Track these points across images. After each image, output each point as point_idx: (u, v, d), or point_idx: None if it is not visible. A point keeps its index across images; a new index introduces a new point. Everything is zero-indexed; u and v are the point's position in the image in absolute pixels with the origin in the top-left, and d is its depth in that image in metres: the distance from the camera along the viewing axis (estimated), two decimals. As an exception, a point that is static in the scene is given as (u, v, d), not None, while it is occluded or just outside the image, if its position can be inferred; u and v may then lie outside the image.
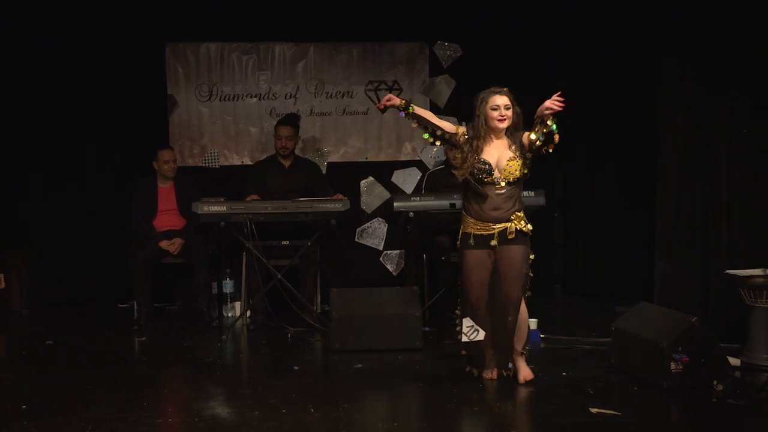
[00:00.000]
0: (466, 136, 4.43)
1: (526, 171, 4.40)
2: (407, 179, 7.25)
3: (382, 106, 4.61)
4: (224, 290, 6.55)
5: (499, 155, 4.39)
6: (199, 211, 5.92)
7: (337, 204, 6.01)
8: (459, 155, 4.49)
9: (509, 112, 4.37)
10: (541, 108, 4.20)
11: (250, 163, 7.03)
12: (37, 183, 6.87)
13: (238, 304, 6.50)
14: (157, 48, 7.00)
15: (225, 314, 6.50)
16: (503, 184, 4.37)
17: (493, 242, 4.41)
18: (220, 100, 7.12)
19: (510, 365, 4.60)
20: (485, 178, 4.36)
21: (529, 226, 4.46)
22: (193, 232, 6.37)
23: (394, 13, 6.97)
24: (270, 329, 6.03)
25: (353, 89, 7.25)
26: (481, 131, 4.40)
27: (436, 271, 6.34)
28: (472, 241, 4.44)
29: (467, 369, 4.72)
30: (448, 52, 7.24)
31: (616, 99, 6.80)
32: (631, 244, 6.82)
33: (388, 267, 7.27)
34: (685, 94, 5.85)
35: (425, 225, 6.24)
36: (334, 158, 7.25)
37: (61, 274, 6.97)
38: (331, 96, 7.24)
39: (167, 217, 6.42)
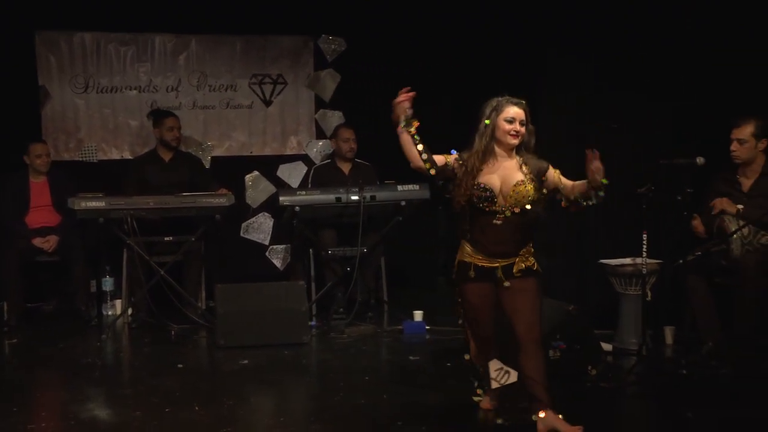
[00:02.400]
0: (460, 161, 3.69)
1: (540, 194, 3.68)
2: (293, 173, 7.22)
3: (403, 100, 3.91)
4: (104, 288, 6.37)
5: (504, 178, 3.63)
6: (76, 207, 5.77)
7: (222, 199, 5.96)
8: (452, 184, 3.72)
9: (524, 129, 3.67)
10: (592, 172, 3.59)
11: (130, 157, 6.85)
12: None
13: (118, 302, 6.34)
14: (27, 37, 6.70)
15: (105, 313, 6.33)
16: (508, 214, 3.61)
17: (506, 283, 3.67)
18: (97, 92, 6.89)
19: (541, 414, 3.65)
20: (486, 207, 3.61)
21: (537, 265, 3.73)
22: (69, 228, 6.17)
23: (279, 6, 6.92)
24: (153, 327, 5.91)
25: (237, 82, 7.16)
26: (483, 145, 3.66)
27: (323, 265, 6.35)
28: (472, 272, 3.69)
29: (477, 390, 4.05)
30: (333, 46, 7.25)
31: (499, 91, 6.93)
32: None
33: (274, 262, 7.23)
34: (557, 92, 6.05)
35: (311, 219, 6.25)
36: (218, 152, 7.15)
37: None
38: (214, 89, 7.14)
39: (41, 213, 6.21)
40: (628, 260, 5.21)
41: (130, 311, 6.08)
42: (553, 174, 3.73)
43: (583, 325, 4.70)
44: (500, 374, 3.73)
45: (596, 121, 5.85)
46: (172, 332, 5.78)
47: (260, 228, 7.21)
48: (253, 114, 7.23)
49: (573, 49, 5.94)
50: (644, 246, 4.75)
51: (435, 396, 4.35)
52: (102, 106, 6.92)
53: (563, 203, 3.77)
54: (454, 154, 3.73)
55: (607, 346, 5.03)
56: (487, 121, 3.66)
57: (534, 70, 6.27)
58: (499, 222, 3.60)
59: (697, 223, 4.89)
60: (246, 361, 5.05)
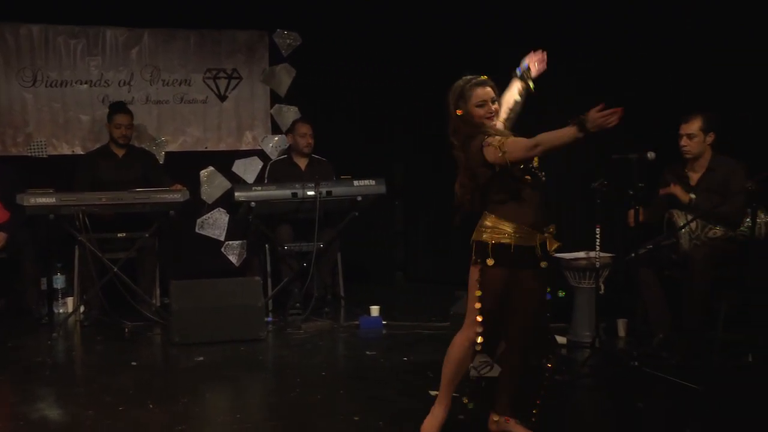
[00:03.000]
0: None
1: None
2: (248, 169, 7.19)
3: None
4: (55, 286, 6.31)
5: None
6: (25, 204, 5.67)
7: (176, 195, 5.91)
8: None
9: (496, 106, 3.42)
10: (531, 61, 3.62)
11: (81, 152, 6.75)
12: None
13: (70, 300, 6.27)
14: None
15: (56, 311, 6.27)
16: (539, 174, 3.45)
17: (543, 263, 3.40)
18: (46, 86, 6.78)
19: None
20: (530, 166, 3.39)
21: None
22: (18, 225, 6.06)
23: (234, 0, 6.87)
24: (106, 325, 5.85)
25: (191, 77, 7.10)
26: (471, 132, 3.39)
27: (279, 261, 6.33)
28: (513, 253, 3.33)
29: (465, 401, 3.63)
30: (288, 41, 7.22)
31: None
32: (468, 231, 7.03)
33: (230, 258, 7.19)
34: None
35: (267, 215, 6.22)
36: (173, 148, 7.08)
37: None
38: (167, 84, 7.07)
39: (-12, 209, 6.11)
40: (581, 254, 5.27)
41: (82, 309, 6.02)
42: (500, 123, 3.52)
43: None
44: (483, 366, 3.45)
45: (549, 118, 5.90)
46: (126, 330, 5.72)
47: (216, 224, 7.17)
48: (208, 109, 7.18)
49: (524, 48, 5.99)
50: (597, 240, 4.82)
51: (391, 391, 4.36)
52: (51, 100, 6.80)
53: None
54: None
55: (561, 339, 5.09)
56: (459, 112, 3.40)
57: (486, 67, 6.29)
58: (535, 188, 3.39)
59: (631, 214, 4.94)
60: (201, 358, 5.02)
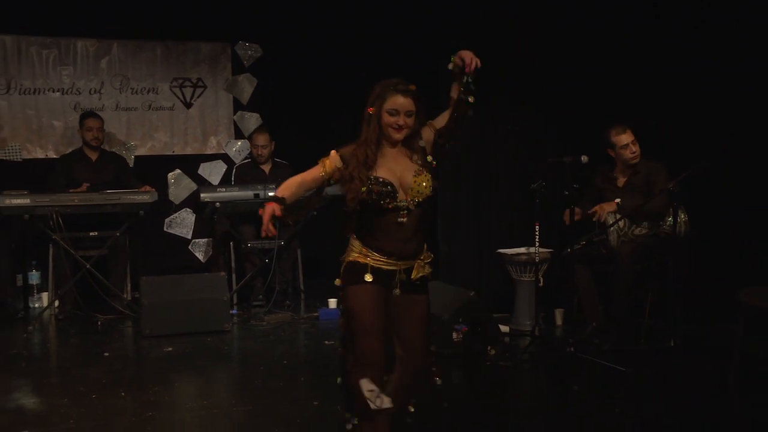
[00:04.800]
0: (339, 165, 2.94)
1: (433, 187, 2.94)
2: (213, 171, 7.11)
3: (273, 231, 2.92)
4: (30, 282, 6.16)
5: (402, 169, 2.91)
6: (1, 204, 5.52)
7: (145, 196, 5.82)
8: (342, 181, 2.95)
9: (410, 120, 2.90)
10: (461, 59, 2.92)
11: (54, 156, 6.59)
12: None
13: (45, 295, 6.13)
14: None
15: (31, 305, 6.13)
16: (412, 208, 2.89)
17: (396, 291, 2.94)
18: (19, 94, 6.59)
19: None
20: (389, 203, 2.86)
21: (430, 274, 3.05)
22: (-6, 225, 5.92)
23: (198, 13, 6.78)
24: (79, 318, 5.75)
25: (158, 86, 6.98)
26: (374, 135, 2.92)
27: (243, 257, 6.28)
28: (368, 275, 2.89)
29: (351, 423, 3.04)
30: (250, 52, 7.15)
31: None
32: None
33: (197, 255, 7.10)
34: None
35: (231, 214, 6.16)
36: (141, 152, 6.95)
37: None
38: (136, 92, 6.94)
39: (-36, 211, 5.92)
40: (522, 249, 5.32)
41: (56, 303, 5.88)
42: (428, 130, 2.99)
43: (482, 309, 4.76)
44: (374, 396, 2.89)
45: (495, 125, 5.98)
46: (99, 323, 5.62)
47: (183, 223, 7.07)
48: (175, 116, 7.07)
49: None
50: (537, 236, 4.86)
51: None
52: (25, 107, 6.63)
53: (447, 125, 2.99)
54: (332, 159, 2.95)
55: (504, 328, 5.13)
56: (370, 110, 2.93)
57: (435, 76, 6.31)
58: (404, 219, 2.88)
59: (567, 213, 4.99)
60: (170, 349, 4.95)
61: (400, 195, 2.88)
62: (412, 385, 3.03)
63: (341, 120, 7.24)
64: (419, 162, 2.93)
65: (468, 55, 2.89)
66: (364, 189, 2.84)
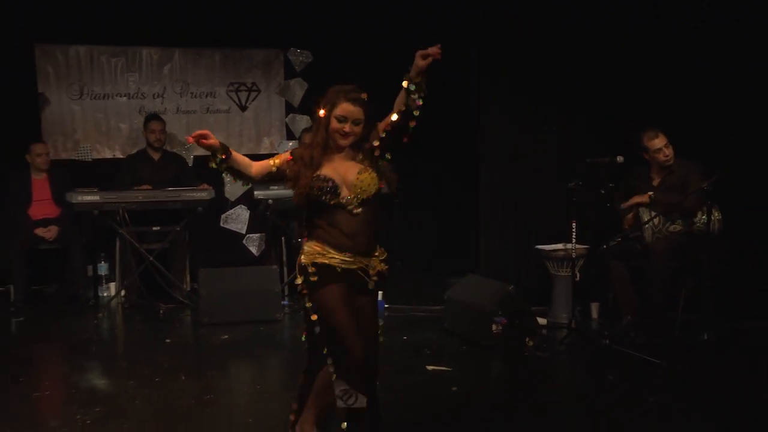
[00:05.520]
0: (290, 158, 2.92)
1: (377, 185, 2.88)
2: (266, 170, 7.19)
3: (191, 140, 3.01)
4: (99, 272, 6.30)
5: (346, 169, 2.86)
6: (74, 201, 5.69)
7: (203, 193, 5.92)
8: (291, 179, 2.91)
9: (358, 128, 2.84)
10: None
11: (121, 156, 6.75)
12: None
13: (112, 285, 6.26)
14: (27, 49, 6.57)
15: (100, 294, 6.25)
16: (356, 204, 2.83)
17: (370, 284, 2.90)
18: (91, 99, 6.79)
19: None
20: (330, 199, 2.82)
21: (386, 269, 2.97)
22: (68, 219, 6.06)
23: (252, 22, 6.87)
24: (143, 307, 5.85)
25: (216, 90, 7.11)
26: (321, 138, 2.88)
27: (293, 251, 6.33)
28: (339, 270, 2.84)
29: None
30: (301, 58, 7.23)
31: (445, 106, 6.96)
32: (461, 226, 7.05)
33: (251, 249, 7.19)
34: (499, 104, 6.10)
35: (283, 210, 6.22)
36: (200, 152, 7.01)
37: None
38: (195, 96, 7.07)
39: (42, 206, 6.08)
40: (559, 246, 5.29)
41: (122, 293, 6.01)
42: (374, 131, 2.90)
43: (521, 302, 4.76)
44: (347, 395, 2.80)
45: (533, 127, 5.96)
46: (161, 311, 5.73)
47: (238, 219, 7.17)
48: (231, 118, 7.19)
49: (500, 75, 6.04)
50: (573, 233, 4.83)
51: (392, 365, 4.34)
52: (95, 111, 6.81)
53: (391, 129, 2.86)
54: (284, 155, 2.96)
55: (542, 321, 5.11)
56: (321, 112, 2.87)
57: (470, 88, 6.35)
58: (344, 216, 2.82)
59: (626, 219, 4.98)
60: (226, 337, 5.03)
61: (343, 192, 2.82)
62: (370, 374, 2.93)
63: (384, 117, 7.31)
64: (365, 162, 2.86)
65: (425, 57, 2.77)
66: (306, 187, 2.81)
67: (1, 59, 6.38)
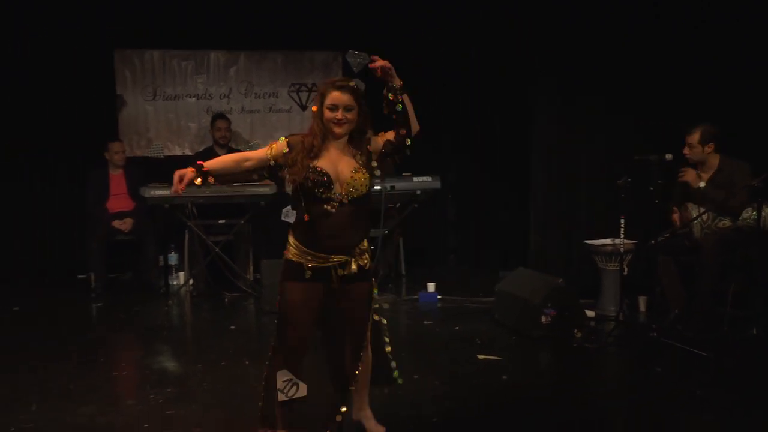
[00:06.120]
0: (285, 150, 2.86)
1: (369, 186, 2.86)
2: (325, 167, 7.27)
3: (180, 191, 2.98)
4: (169, 262, 6.43)
5: (342, 165, 2.83)
6: (147, 195, 5.83)
7: (266, 188, 6.00)
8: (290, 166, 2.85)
9: (350, 115, 2.83)
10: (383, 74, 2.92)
11: (190, 153, 6.92)
12: (6, 173, 6.65)
13: (181, 274, 6.40)
14: (107, 54, 6.80)
15: (170, 283, 6.39)
16: (346, 202, 2.79)
17: (334, 285, 2.86)
18: (163, 100, 6.98)
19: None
20: (322, 193, 2.77)
21: (370, 263, 2.96)
22: (142, 213, 6.23)
23: (312, 27, 6.95)
24: (210, 295, 5.97)
25: (278, 90, 7.22)
26: (320, 129, 2.84)
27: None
28: (308, 273, 2.82)
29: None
30: (358, 60, 7.21)
31: (498, 107, 6.94)
32: (511, 220, 7.01)
33: (309, 241, 7.26)
34: (550, 105, 6.06)
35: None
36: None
37: (24, 250, 6.73)
38: (259, 96, 7.19)
39: (119, 200, 6.27)
40: (608, 241, 5.22)
41: (191, 282, 6.14)
42: (379, 140, 2.92)
43: (570, 295, 4.71)
44: (288, 386, 2.84)
45: (585, 126, 5.89)
46: (226, 300, 5.84)
47: (294, 213, 7.24)
48: (292, 117, 7.29)
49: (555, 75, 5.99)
50: (622, 229, 4.76)
51: (444, 354, 4.39)
52: (167, 111, 7.00)
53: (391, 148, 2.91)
54: (281, 142, 2.89)
55: (590, 313, 5.04)
56: (314, 108, 2.87)
57: (524, 92, 6.30)
58: (332, 210, 2.77)
59: (676, 217, 4.89)
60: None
61: (336, 188, 2.78)
62: (359, 362, 2.98)
63: (440, 121, 7.30)
64: (361, 161, 2.84)
65: (379, 65, 2.84)
66: (303, 174, 2.76)
67: (84, 64, 6.62)
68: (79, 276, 6.57)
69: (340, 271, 2.85)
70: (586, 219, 5.93)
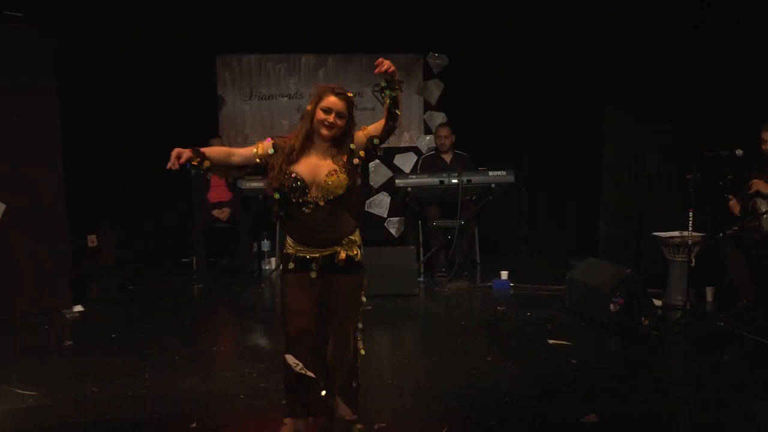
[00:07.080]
0: (270, 151, 2.81)
1: (350, 184, 2.80)
2: (406, 161, 7.33)
3: (176, 167, 2.76)
4: (262, 249, 6.60)
5: (317, 167, 2.78)
6: (243, 187, 6.02)
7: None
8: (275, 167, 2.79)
9: (341, 122, 2.80)
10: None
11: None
12: (123, 167, 6.95)
13: (273, 260, 6.55)
14: (210, 59, 7.06)
15: (263, 268, 6.56)
16: (322, 204, 2.77)
17: (313, 273, 2.84)
18: (258, 100, 7.20)
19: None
20: (298, 197, 2.75)
21: (361, 254, 2.94)
22: (238, 203, 6.39)
23: (395, 30, 7.01)
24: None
25: (363, 90, 7.29)
26: (304, 130, 2.82)
27: (429, 234, 6.42)
28: (291, 264, 2.85)
29: (285, 421, 2.98)
30: (438, 61, 7.30)
31: (571, 104, 6.84)
32: (581, 213, 6.91)
33: (391, 231, 7.36)
34: (622, 102, 5.93)
35: (420, 197, 6.33)
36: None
37: (138, 236, 7.04)
38: (345, 96, 7.31)
39: (218, 191, 6.44)
40: (676, 233, 5.09)
41: (281, 266, 6.29)
42: (361, 134, 2.88)
43: (638, 284, 4.63)
44: (298, 369, 2.86)
45: (656, 122, 5.75)
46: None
47: (380, 204, 7.37)
48: (376, 115, 7.24)
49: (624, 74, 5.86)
50: (690, 222, 4.64)
51: (517, 338, 4.39)
52: (262, 110, 7.21)
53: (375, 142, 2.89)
54: (266, 143, 2.83)
55: (657, 302, 4.95)
56: (309, 107, 2.84)
57: (595, 89, 6.19)
58: (308, 211, 2.76)
59: (733, 204, 4.73)
60: (369, 307, 5.00)
61: (312, 192, 2.75)
62: (342, 352, 2.99)
63: (514, 118, 7.27)
64: (340, 163, 2.78)
65: (384, 66, 2.84)
66: (278, 180, 2.74)
67: (189, 68, 6.89)
68: (183, 259, 6.84)
69: (316, 265, 2.83)
70: (654, 212, 5.78)
